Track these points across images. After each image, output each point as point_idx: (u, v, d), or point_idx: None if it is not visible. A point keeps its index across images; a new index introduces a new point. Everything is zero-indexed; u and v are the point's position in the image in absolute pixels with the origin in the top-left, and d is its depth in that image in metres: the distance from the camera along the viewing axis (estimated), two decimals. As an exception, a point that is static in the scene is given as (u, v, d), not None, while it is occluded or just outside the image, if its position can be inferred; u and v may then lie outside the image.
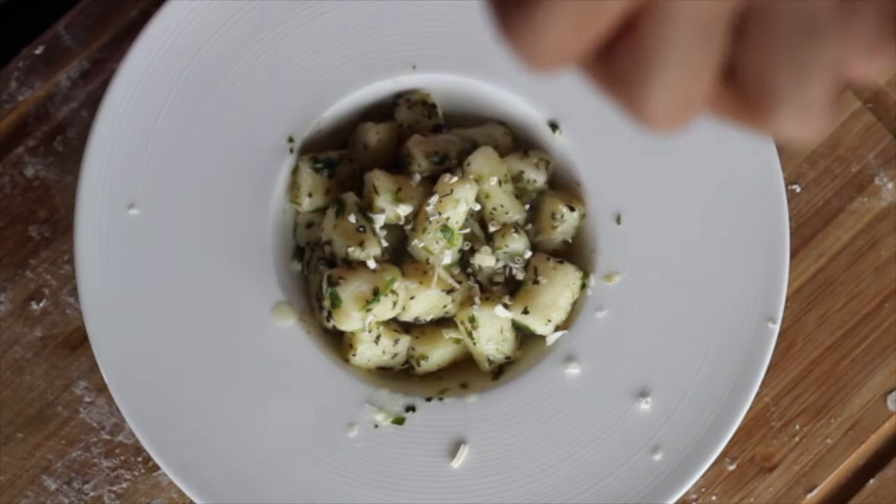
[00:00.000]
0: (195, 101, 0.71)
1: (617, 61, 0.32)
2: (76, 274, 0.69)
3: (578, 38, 0.32)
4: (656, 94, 0.32)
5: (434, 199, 0.69)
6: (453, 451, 0.69)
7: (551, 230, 0.72)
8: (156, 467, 0.72)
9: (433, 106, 0.74)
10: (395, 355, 0.71)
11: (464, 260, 0.71)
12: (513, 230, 0.71)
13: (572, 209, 0.72)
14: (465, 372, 0.72)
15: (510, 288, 0.71)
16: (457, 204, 0.69)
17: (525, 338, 0.73)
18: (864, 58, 0.33)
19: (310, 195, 0.72)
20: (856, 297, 0.76)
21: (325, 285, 0.68)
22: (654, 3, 0.31)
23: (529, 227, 0.73)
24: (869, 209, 0.76)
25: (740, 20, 0.32)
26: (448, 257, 0.70)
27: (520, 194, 0.73)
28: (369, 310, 0.68)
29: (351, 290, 0.68)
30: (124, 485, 0.73)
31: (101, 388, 0.73)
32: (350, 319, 0.68)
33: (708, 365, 0.70)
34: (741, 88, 0.33)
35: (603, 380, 0.70)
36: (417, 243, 0.69)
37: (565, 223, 0.72)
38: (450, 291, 0.70)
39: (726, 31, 0.32)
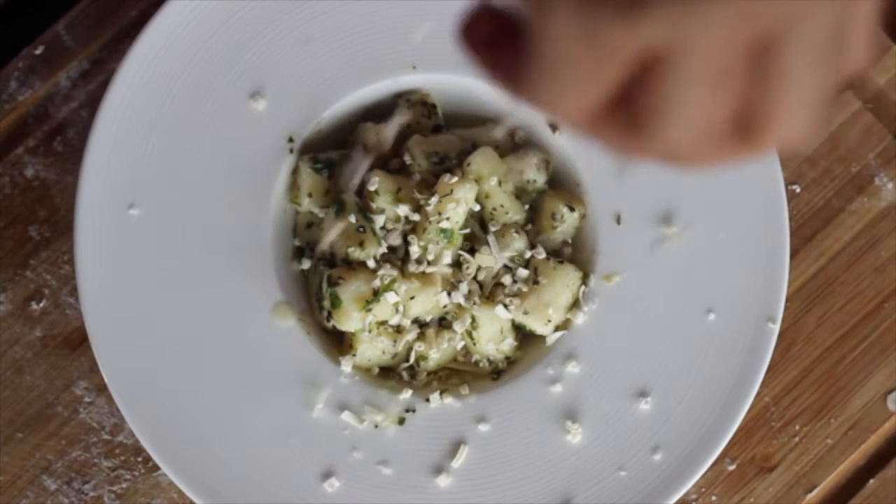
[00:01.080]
0: (195, 101, 0.71)
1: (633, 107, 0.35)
2: (76, 274, 0.69)
3: (588, 92, 0.35)
4: (677, 130, 0.34)
5: (434, 199, 0.69)
6: (453, 451, 0.69)
7: (551, 230, 0.72)
8: (156, 467, 0.72)
9: (433, 106, 0.74)
10: (395, 355, 0.71)
11: (464, 260, 0.71)
12: (513, 230, 0.71)
13: (572, 209, 0.72)
14: (464, 372, 0.72)
15: (510, 288, 0.71)
16: (457, 204, 0.69)
17: (525, 338, 0.72)
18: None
19: (310, 195, 0.72)
20: (856, 297, 0.76)
21: (325, 285, 0.68)
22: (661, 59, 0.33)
23: (529, 227, 0.73)
24: (869, 209, 0.76)
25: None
26: (448, 257, 0.70)
27: (520, 194, 0.72)
28: (369, 310, 0.68)
29: (351, 290, 0.68)
30: (124, 485, 0.73)
31: (101, 388, 0.73)
32: (350, 319, 0.68)
33: (708, 365, 0.70)
34: None
35: (603, 380, 0.70)
36: (417, 243, 0.69)
37: (565, 223, 0.72)
38: (450, 291, 0.70)
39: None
